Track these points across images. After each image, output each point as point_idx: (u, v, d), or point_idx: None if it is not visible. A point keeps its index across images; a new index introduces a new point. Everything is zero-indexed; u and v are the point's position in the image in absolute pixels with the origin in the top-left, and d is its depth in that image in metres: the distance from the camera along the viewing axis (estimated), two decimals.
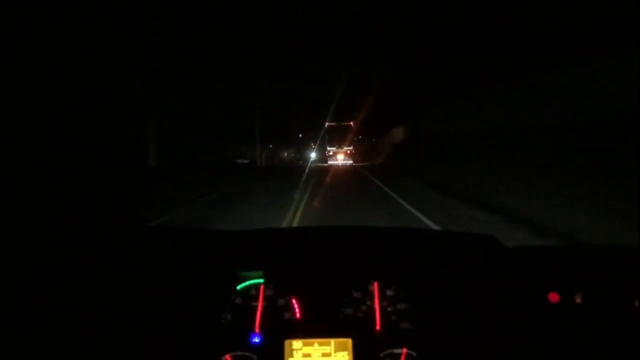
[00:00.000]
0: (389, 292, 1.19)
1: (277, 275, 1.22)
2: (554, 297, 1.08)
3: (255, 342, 1.13)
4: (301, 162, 46.93)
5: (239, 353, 1.11)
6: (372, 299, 1.18)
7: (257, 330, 1.15)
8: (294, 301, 1.18)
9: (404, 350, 1.11)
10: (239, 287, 1.20)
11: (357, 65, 38.46)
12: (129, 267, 1.12)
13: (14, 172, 0.88)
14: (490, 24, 13.50)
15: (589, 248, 1.24)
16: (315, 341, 1.13)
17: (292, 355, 1.12)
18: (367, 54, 37.17)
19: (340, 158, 35.90)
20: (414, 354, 1.11)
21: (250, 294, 1.20)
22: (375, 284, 1.20)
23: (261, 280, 1.21)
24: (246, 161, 37.93)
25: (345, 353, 1.12)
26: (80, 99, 1.07)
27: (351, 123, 39.19)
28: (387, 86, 30.73)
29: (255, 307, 1.18)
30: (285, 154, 61.10)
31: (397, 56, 27.13)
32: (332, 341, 1.13)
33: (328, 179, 18.08)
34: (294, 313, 1.17)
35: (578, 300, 1.07)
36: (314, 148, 49.38)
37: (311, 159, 43.48)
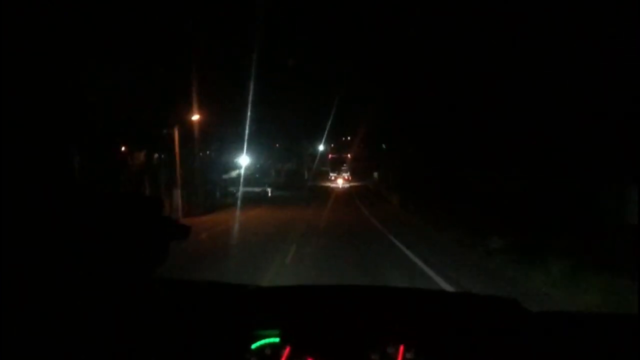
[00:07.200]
0: (408, 355, 1.15)
1: (295, 334, 1.16)
2: None
3: None
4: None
5: None
6: None
7: None
8: None
9: None
10: (253, 346, 1.15)
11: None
12: (139, 320, 1.07)
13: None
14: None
15: (620, 317, 1.21)
16: None
17: None
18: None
19: (339, 182, 51.55)
20: None
21: (265, 354, 1.14)
22: (401, 347, 1.15)
23: (277, 340, 1.16)
24: None
25: None
26: None
27: (348, 155, 58.90)
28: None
29: None
30: None
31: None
32: None
33: None
34: None
35: None
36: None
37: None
